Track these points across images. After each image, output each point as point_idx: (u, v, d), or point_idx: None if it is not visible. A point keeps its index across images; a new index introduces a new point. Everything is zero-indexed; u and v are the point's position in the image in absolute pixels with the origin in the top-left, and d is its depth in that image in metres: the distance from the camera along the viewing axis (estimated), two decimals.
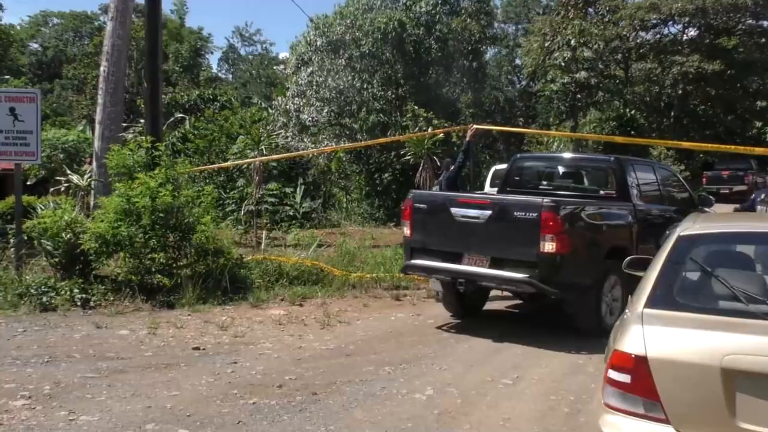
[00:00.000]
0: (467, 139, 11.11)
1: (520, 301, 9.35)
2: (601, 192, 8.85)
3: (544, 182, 9.60)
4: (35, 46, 55.13)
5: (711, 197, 10.23)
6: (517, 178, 9.60)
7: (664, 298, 3.38)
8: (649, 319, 3.24)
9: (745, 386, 2.90)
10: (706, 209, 9.31)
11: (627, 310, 3.55)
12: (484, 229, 7.29)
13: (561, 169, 9.74)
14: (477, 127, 12.23)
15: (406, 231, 8.06)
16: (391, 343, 7.30)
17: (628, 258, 4.68)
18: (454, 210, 7.54)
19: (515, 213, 7.07)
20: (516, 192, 9.03)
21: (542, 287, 6.99)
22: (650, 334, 3.13)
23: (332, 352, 6.84)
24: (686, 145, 17.20)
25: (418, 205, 7.95)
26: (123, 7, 13.46)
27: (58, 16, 57.06)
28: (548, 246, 6.83)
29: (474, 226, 7.36)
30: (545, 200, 7.02)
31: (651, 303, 3.36)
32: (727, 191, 28.65)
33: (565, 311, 7.66)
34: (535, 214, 6.89)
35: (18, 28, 54.42)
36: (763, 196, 9.76)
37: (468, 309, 8.53)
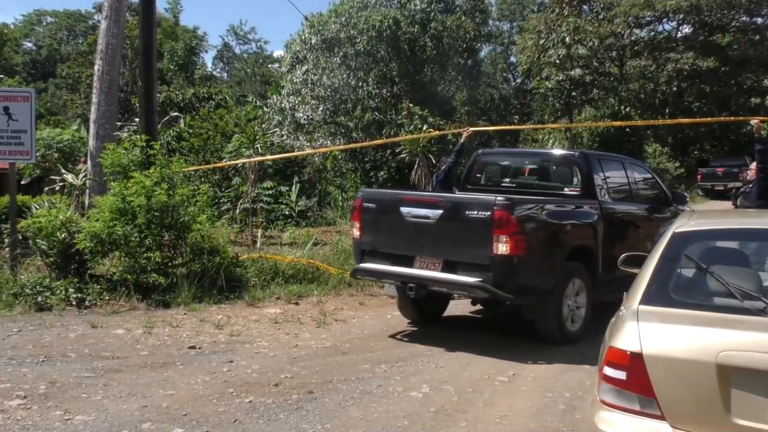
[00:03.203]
0: (462, 140, 10.87)
1: None
2: (566, 189, 8.24)
3: (507, 179, 8.99)
4: (29, 45, 55.00)
5: (685, 194, 9.98)
6: (479, 176, 9.13)
7: (659, 294, 3.39)
8: (645, 315, 3.24)
9: (740, 382, 2.91)
10: (681, 207, 9.09)
11: (622, 307, 3.55)
12: (436, 229, 6.86)
13: (524, 166, 9.19)
14: (473, 129, 12.26)
15: (355, 232, 7.61)
16: (387, 341, 7.31)
17: (624, 255, 4.66)
18: (404, 210, 7.09)
19: (467, 212, 6.65)
20: (477, 190, 8.59)
21: (496, 292, 6.55)
22: (645, 330, 3.14)
23: (328, 351, 6.84)
24: (686, 121, 17.15)
25: (367, 204, 7.52)
26: (117, 6, 13.40)
27: (52, 14, 56.95)
28: (502, 247, 6.39)
29: (425, 227, 6.93)
30: (498, 198, 6.59)
31: (646, 300, 3.36)
32: (721, 188, 28.78)
33: (524, 317, 7.22)
34: (487, 214, 6.46)
35: (12, 27, 54.30)
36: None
37: (426, 315, 8.08)
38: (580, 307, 7.28)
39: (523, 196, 7.42)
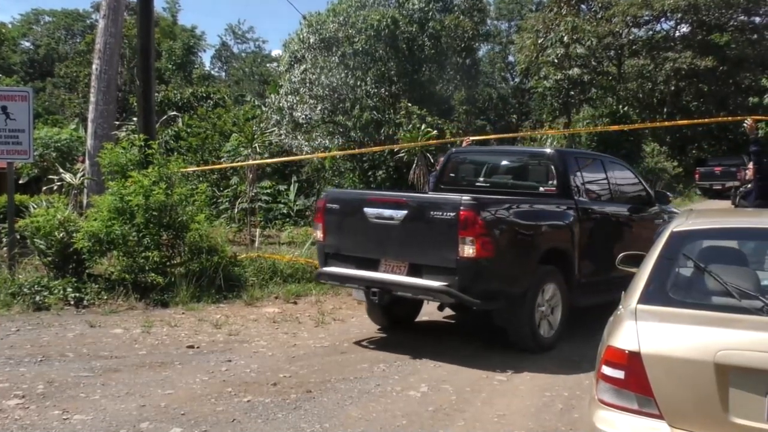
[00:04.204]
0: (462, 147, 10.76)
1: None
2: (541, 189, 7.82)
3: (481, 179, 8.58)
4: (27, 44, 54.87)
5: (668, 193, 9.77)
6: (453, 175, 8.74)
7: (657, 294, 3.39)
8: (643, 315, 3.25)
9: (738, 381, 2.91)
10: (665, 207, 8.89)
11: (620, 306, 3.56)
12: (400, 231, 6.55)
13: (499, 165, 8.78)
14: (472, 138, 12.32)
15: (318, 234, 7.29)
16: (386, 340, 7.31)
17: (622, 254, 4.65)
18: (367, 210, 6.77)
19: (432, 213, 6.33)
20: (451, 190, 8.18)
21: (462, 297, 6.24)
22: (643, 329, 3.14)
23: (327, 350, 6.84)
24: (683, 123, 17.25)
25: (330, 205, 7.19)
26: (115, 5, 13.41)
27: (49, 14, 56.84)
28: (468, 250, 6.07)
29: (389, 229, 6.61)
30: (464, 198, 6.27)
31: (644, 299, 3.37)
32: (719, 187, 28.82)
33: (495, 323, 6.89)
34: (452, 214, 6.15)
35: (9, 26, 54.28)
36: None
37: (396, 320, 7.75)
38: (555, 313, 6.98)
39: (491, 196, 7.18)
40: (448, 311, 8.46)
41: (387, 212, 6.64)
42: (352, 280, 7.05)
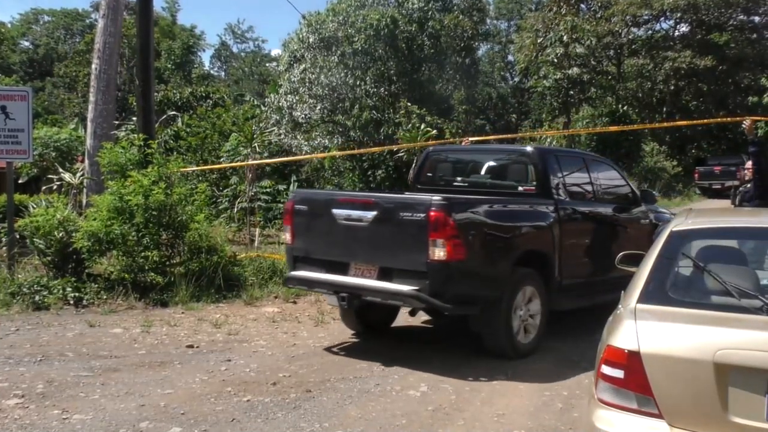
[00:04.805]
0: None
1: None
2: (520, 188, 7.51)
3: (459, 178, 8.27)
4: (26, 44, 54.84)
5: (653, 192, 9.62)
6: (430, 174, 8.40)
7: (656, 293, 3.39)
8: (642, 314, 3.25)
9: (738, 381, 2.92)
10: (650, 207, 8.69)
11: (620, 305, 3.56)
12: (370, 233, 6.28)
13: (478, 164, 8.46)
14: (472, 139, 12.31)
15: (287, 237, 7.01)
16: (385, 339, 7.31)
17: (621, 253, 4.65)
18: (336, 211, 6.51)
19: (401, 214, 6.06)
20: (428, 190, 7.82)
21: (432, 302, 5.99)
22: (643, 329, 3.14)
23: (326, 350, 6.84)
24: (681, 123, 17.28)
25: (299, 206, 6.91)
26: (114, 5, 13.41)
27: (49, 13, 56.77)
28: (439, 252, 5.81)
29: (358, 231, 6.35)
30: (435, 198, 6.02)
31: (643, 298, 3.37)
32: (719, 186, 28.83)
33: (471, 329, 6.62)
34: (422, 215, 5.88)
35: (9, 26, 54.23)
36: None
37: (371, 325, 7.47)
38: (534, 317, 6.70)
39: (463, 196, 6.89)
40: None
41: (356, 213, 6.38)
42: (321, 284, 6.76)
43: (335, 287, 6.48)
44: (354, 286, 6.35)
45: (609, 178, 8.41)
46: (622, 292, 3.67)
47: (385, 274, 6.25)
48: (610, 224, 7.94)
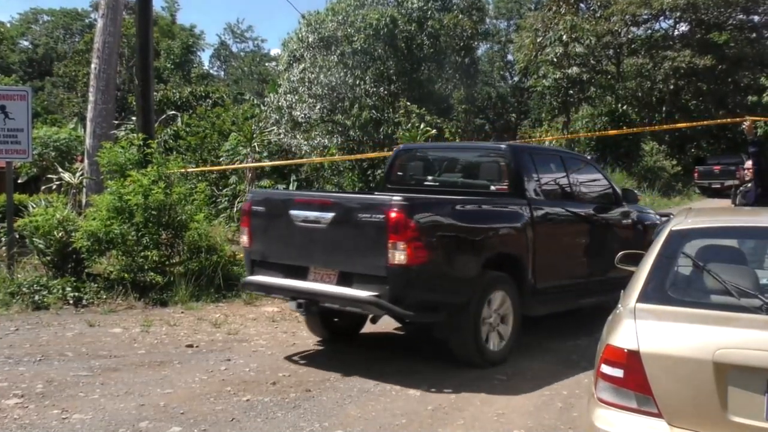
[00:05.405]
0: None
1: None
2: (492, 187, 7.14)
3: (430, 177, 7.90)
4: (25, 43, 54.79)
5: (635, 191, 9.35)
6: (400, 173, 8.06)
7: (656, 292, 3.39)
8: (642, 313, 3.25)
9: (737, 380, 2.92)
10: (633, 207, 8.40)
11: (619, 305, 3.56)
12: (328, 236, 5.97)
13: (450, 162, 8.15)
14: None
15: (244, 240, 6.68)
16: (385, 339, 7.31)
17: (621, 253, 4.64)
18: (293, 213, 6.18)
19: (360, 215, 5.76)
20: (398, 190, 7.48)
21: (392, 309, 5.67)
22: (642, 328, 3.15)
23: (326, 349, 6.84)
24: (681, 125, 17.24)
25: (256, 207, 6.60)
26: (114, 4, 13.42)
27: (48, 13, 56.73)
28: (399, 256, 5.46)
29: (316, 233, 6.04)
30: (394, 199, 5.73)
31: (643, 298, 3.37)
32: (718, 185, 28.82)
33: (436, 336, 6.35)
34: (381, 217, 5.55)
35: (8, 25, 54.17)
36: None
37: (338, 331, 7.16)
38: (505, 323, 6.36)
39: (426, 196, 6.66)
40: None
41: (313, 215, 6.05)
42: (278, 290, 6.48)
43: (292, 293, 6.20)
44: (311, 291, 6.05)
45: (588, 176, 8.12)
46: (622, 291, 3.67)
47: (344, 279, 5.93)
48: (590, 225, 7.63)
